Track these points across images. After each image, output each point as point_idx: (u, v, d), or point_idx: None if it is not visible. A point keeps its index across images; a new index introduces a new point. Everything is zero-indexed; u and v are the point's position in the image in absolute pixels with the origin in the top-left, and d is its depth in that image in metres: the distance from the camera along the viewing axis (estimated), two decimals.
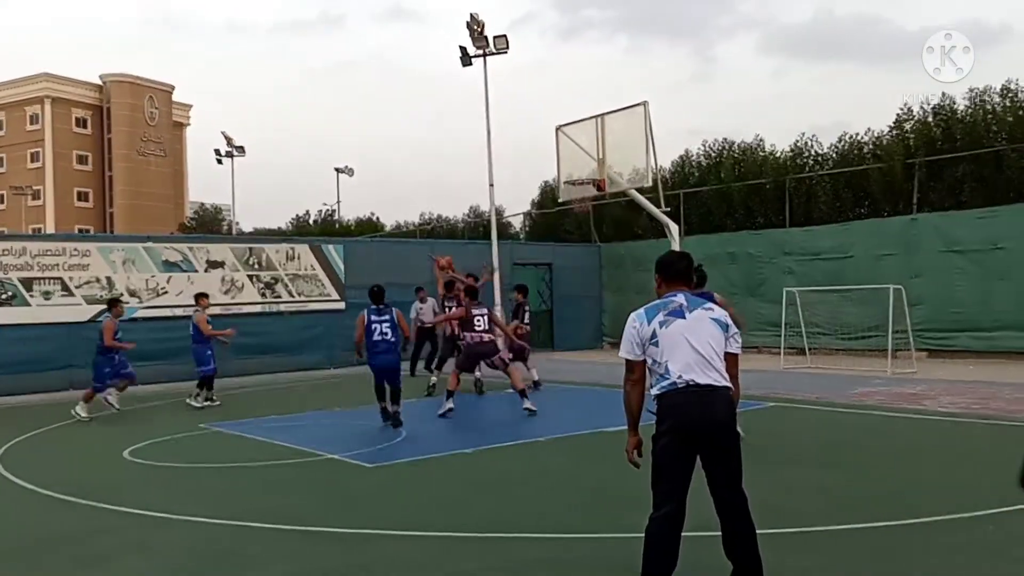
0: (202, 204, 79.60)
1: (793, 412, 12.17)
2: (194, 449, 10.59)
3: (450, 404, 12.38)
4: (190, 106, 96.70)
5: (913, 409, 12.05)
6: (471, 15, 21.13)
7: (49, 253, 17.30)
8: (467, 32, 21.39)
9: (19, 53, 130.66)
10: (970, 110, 21.21)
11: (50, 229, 75.02)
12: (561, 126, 16.16)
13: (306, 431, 11.71)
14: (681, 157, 28.37)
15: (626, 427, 4.98)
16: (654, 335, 4.72)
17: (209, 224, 64.33)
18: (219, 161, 44.54)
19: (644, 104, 14.70)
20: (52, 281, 17.21)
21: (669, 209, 15.87)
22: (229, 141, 43.86)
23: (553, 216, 30.36)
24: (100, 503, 7.64)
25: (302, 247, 21.27)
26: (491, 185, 22.53)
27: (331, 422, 12.66)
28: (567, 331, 25.32)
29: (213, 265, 19.33)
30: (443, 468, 9.04)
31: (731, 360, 4.80)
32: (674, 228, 15.27)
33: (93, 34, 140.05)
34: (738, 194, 25.05)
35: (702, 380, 4.58)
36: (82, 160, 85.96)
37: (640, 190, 15.32)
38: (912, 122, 22.21)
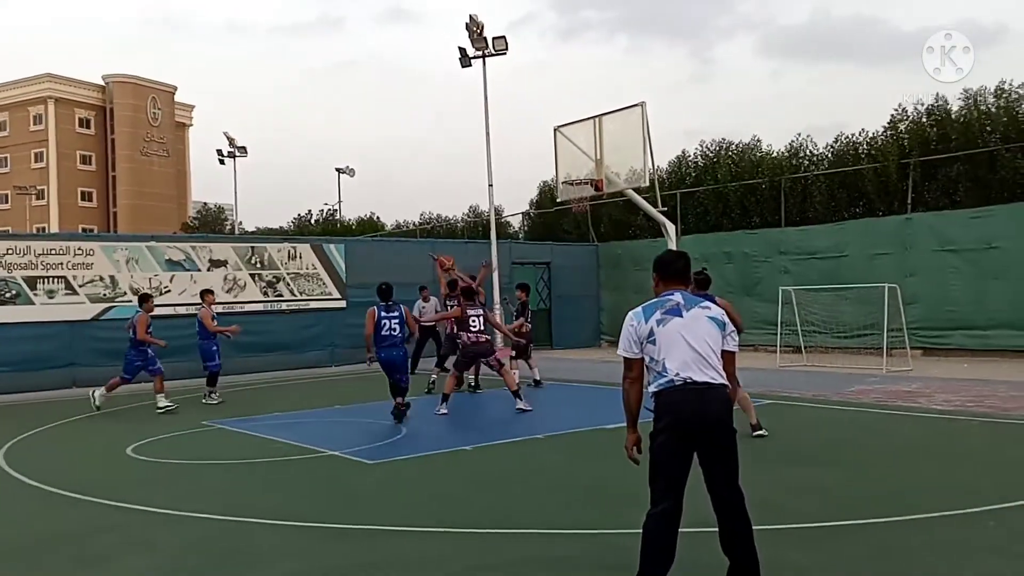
0: (204, 204, 79.68)
1: (789, 410, 12.24)
2: (197, 446, 10.66)
3: (444, 408, 12.52)
4: (192, 107, 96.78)
5: (908, 407, 12.14)
6: (470, 16, 21.21)
7: (53, 252, 17.43)
8: (466, 33, 21.50)
9: (19, 53, 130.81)
10: (964, 111, 21.29)
11: (54, 228, 75.11)
12: (559, 127, 16.27)
13: (308, 428, 11.81)
14: (678, 157, 28.45)
15: (624, 424, 5.04)
16: (651, 333, 4.75)
17: (212, 224, 64.41)
18: (221, 161, 44.58)
19: (641, 105, 14.81)
20: (56, 280, 17.34)
21: (666, 209, 16.00)
22: (231, 141, 43.92)
23: (551, 216, 30.46)
24: (103, 500, 7.68)
25: (304, 246, 21.40)
26: (490, 185, 22.61)
27: (332, 419, 12.75)
28: (565, 330, 25.44)
29: (216, 264, 19.47)
30: (443, 465, 9.10)
31: (728, 358, 4.84)
32: (671, 228, 15.40)
33: (94, 34, 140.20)
34: (734, 194, 25.15)
35: (699, 378, 4.62)
36: (85, 160, 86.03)
37: (637, 190, 15.45)
38: (906, 122, 22.30)
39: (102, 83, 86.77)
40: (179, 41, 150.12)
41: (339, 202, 51.70)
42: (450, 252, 23.54)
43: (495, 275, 20.71)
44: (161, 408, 13.53)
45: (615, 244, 26.90)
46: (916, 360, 17.84)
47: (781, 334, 19.45)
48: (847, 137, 24.06)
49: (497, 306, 18.29)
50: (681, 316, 4.77)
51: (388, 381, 12.26)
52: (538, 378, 15.94)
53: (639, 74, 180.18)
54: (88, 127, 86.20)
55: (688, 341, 4.69)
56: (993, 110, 20.77)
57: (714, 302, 5.47)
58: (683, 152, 28.51)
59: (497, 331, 14.74)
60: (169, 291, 18.63)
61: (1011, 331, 18.11)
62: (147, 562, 5.93)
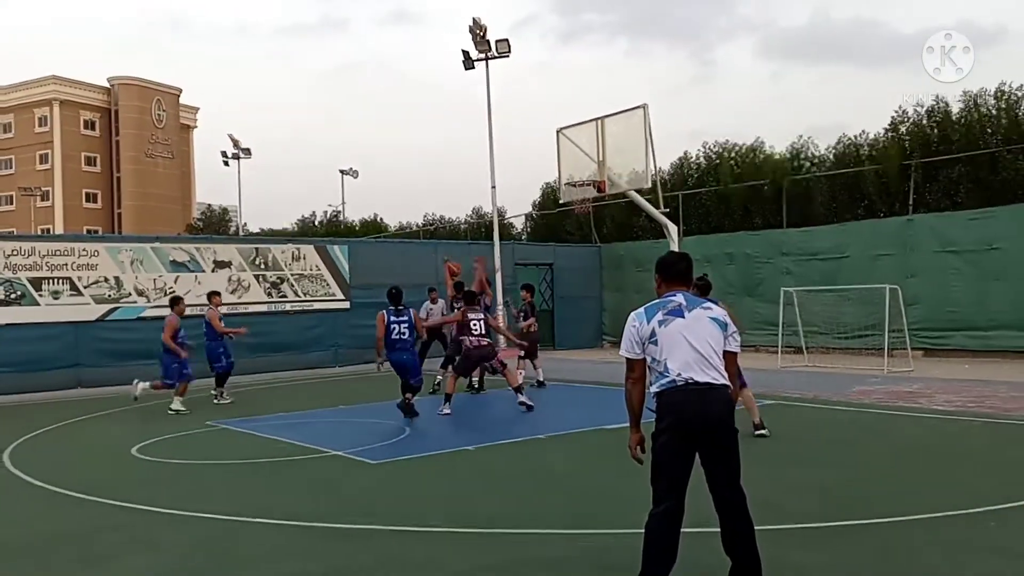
0: (209, 205, 79.71)
1: (791, 410, 12.26)
2: (201, 446, 10.70)
3: (447, 409, 12.60)
4: (197, 108, 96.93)
5: (909, 407, 12.16)
6: (473, 19, 21.31)
7: (58, 253, 17.48)
8: (469, 35, 21.59)
9: (20, 54, 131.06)
10: (964, 112, 21.31)
11: (59, 230, 75.23)
12: (562, 128, 16.32)
13: (311, 429, 11.84)
14: (680, 159, 28.49)
15: (626, 424, 5.07)
16: (653, 334, 4.77)
17: (216, 225, 64.49)
18: (226, 163, 44.71)
19: (644, 107, 14.86)
20: (61, 281, 17.40)
21: (668, 210, 16.06)
22: (236, 143, 44.03)
23: (554, 217, 30.51)
24: (108, 500, 7.71)
25: (307, 247, 21.45)
26: (493, 187, 22.71)
27: (335, 419, 12.79)
28: (568, 330, 25.47)
29: (220, 265, 19.53)
30: (446, 465, 9.13)
31: (730, 359, 4.85)
32: (673, 229, 15.45)
33: (96, 36, 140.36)
34: (736, 195, 25.19)
35: (701, 378, 4.63)
36: (90, 162, 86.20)
37: (639, 191, 15.50)
38: (907, 124, 22.33)
39: (107, 85, 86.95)
40: (183, 43, 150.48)
41: (343, 203, 51.76)
42: (453, 253, 23.63)
43: (498, 276, 20.80)
44: (173, 410, 13.57)
45: (617, 245, 26.93)
46: (917, 361, 17.85)
47: (783, 335, 19.47)
48: (849, 139, 24.11)
49: (500, 308, 18.35)
50: (683, 317, 4.79)
51: (400, 382, 12.38)
52: (541, 379, 15.98)
53: (640, 76, 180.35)
54: (93, 129, 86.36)
55: (690, 342, 4.71)
56: (993, 112, 20.78)
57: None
58: (685, 153, 28.59)
59: (499, 334, 14.76)
60: (173, 292, 18.65)
61: (1012, 332, 18.12)
62: (151, 562, 5.96)
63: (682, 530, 4.70)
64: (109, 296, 17.92)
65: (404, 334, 12.18)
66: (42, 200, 79.05)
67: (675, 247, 14.57)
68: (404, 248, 24.86)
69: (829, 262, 21.01)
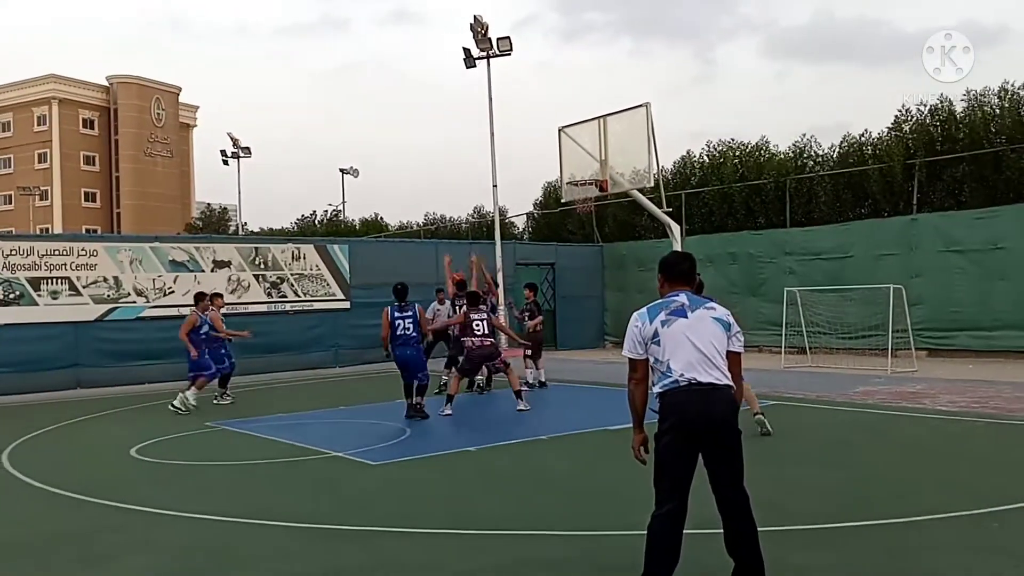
0: (208, 205, 79.76)
1: (794, 411, 12.22)
2: (200, 447, 10.67)
3: (448, 410, 12.55)
4: (196, 107, 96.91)
5: (913, 408, 12.13)
6: (475, 17, 21.27)
7: (57, 253, 17.44)
8: (471, 34, 21.53)
9: (20, 54, 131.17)
10: (968, 112, 21.25)
11: (57, 229, 75.22)
12: (564, 127, 16.25)
13: (311, 429, 11.79)
14: (683, 158, 28.44)
15: (629, 425, 5.05)
16: (656, 334, 4.75)
17: (215, 224, 64.45)
18: (225, 162, 44.64)
19: (646, 106, 14.79)
20: (60, 281, 17.35)
21: (671, 210, 15.96)
22: (235, 142, 43.97)
23: (556, 216, 30.46)
24: (107, 501, 7.68)
25: (307, 247, 21.41)
26: (495, 186, 22.66)
27: (336, 420, 12.73)
28: (570, 330, 25.42)
29: (219, 265, 19.48)
30: (447, 466, 9.10)
31: (734, 359, 4.81)
32: (676, 228, 15.37)
33: (95, 35, 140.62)
34: (739, 195, 25.13)
35: (704, 379, 4.61)
36: (89, 161, 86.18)
37: (642, 191, 15.43)
38: (910, 123, 22.27)
39: (106, 84, 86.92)
40: (183, 43, 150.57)
41: (343, 203, 51.80)
42: (454, 253, 23.54)
43: (499, 276, 20.74)
44: (175, 407, 13.52)
45: (620, 245, 26.89)
46: (921, 361, 17.81)
47: (786, 335, 19.41)
48: (852, 138, 24.04)
49: (501, 308, 18.28)
50: (686, 317, 4.77)
51: (402, 384, 12.35)
52: (543, 379, 15.92)
53: (642, 76, 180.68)
54: (92, 128, 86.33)
55: (693, 342, 4.69)
56: (997, 111, 20.71)
57: None
58: (688, 153, 28.54)
59: (502, 333, 14.70)
60: (173, 292, 18.63)
61: (1016, 332, 18.08)
62: (151, 562, 5.94)
63: (685, 531, 4.68)
64: (108, 296, 17.86)
65: (408, 330, 12.20)
66: (41, 199, 79.06)
67: (678, 247, 14.50)
68: (405, 248, 24.81)
69: (833, 262, 20.96)
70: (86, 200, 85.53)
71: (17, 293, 16.86)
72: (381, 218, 46.90)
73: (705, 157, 27.59)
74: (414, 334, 12.24)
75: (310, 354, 20.64)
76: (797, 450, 9.45)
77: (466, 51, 21.87)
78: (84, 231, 69.01)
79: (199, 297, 14.50)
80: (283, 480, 8.61)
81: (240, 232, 48.71)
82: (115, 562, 5.98)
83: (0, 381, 16.31)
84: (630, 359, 4.88)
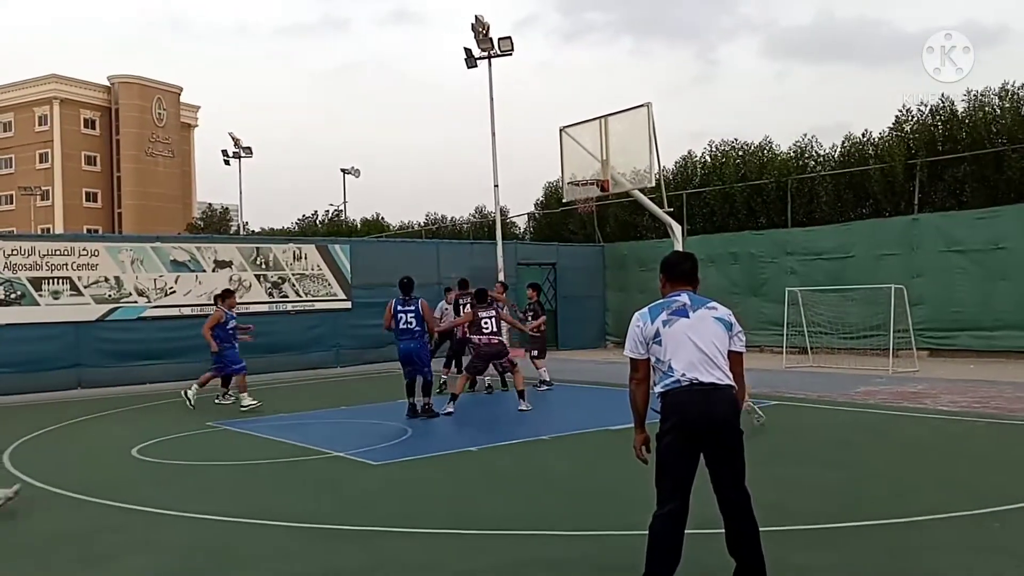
0: (210, 205, 79.74)
1: (795, 411, 12.23)
2: (202, 447, 10.67)
3: (450, 408, 12.55)
4: (198, 107, 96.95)
5: (914, 408, 12.12)
6: (476, 17, 21.24)
7: (58, 253, 17.43)
8: (472, 34, 21.51)
9: (19, 54, 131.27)
10: (968, 112, 21.22)
11: (59, 229, 75.29)
12: (565, 127, 16.21)
13: (312, 429, 11.79)
14: (684, 158, 28.42)
15: (630, 425, 5.05)
16: (657, 334, 4.75)
17: (217, 224, 64.45)
18: (226, 162, 44.64)
19: (647, 105, 14.75)
20: (61, 281, 17.34)
21: (672, 209, 15.91)
22: (236, 142, 43.97)
23: (557, 216, 30.45)
24: (108, 501, 7.68)
25: (309, 247, 21.39)
26: (496, 186, 22.63)
27: (337, 420, 12.73)
28: (571, 330, 25.40)
29: (221, 265, 19.47)
30: (448, 466, 9.11)
31: (735, 359, 4.81)
32: (677, 228, 15.32)
33: (95, 35, 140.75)
34: (740, 195, 25.12)
35: (705, 379, 4.61)
36: (90, 161, 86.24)
37: (643, 191, 15.39)
38: (911, 123, 22.25)
39: (107, 84, 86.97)
40: (183, 43, 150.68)
41: (344, 203, 51.87)
42: (456, 253, 23.59)
43: (501, 276, 20.72)
44: (188, 395, 13.59)
45: (621, 245, 26.87)
46: (922, 361, 17.80)
47: (787, 335, 19.40)
48: (854, 138, 24.02)
49: (504, 310, 18.24)
50: (687, 317, 4.77)
51: (404, 382, 12.37)
52: (548, 379, 15.91)
53: (643, 76, 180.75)
54: (93, 128, 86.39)
55: (694, 342, 4.69)
56: (998, 111, 20.70)
57: None
58: (689, 153, 28.51)
59: (512, 328, 14.70)
60: (174, 292, 18.62)
61: (1017, 332, 18.06)
62: (151, 562, 5.94)
63: (686, 531, 4.68)
64: (109, 296, 17.85)
65: (411, 323, 12.25)
66: (42, 199, 79.11)
67: (679, 247, 14.47)
68: (406, 248, 24.78)
69: (834, 262, 20.94)
70: (87, 200, 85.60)
71: (18, 293, 16.86)
72: (382, 218, 46.95)
73: (707, 157, 27.58)
74: (416, 328, 12.28)
75: (311, 354, 20.63)
76: (798, 450, 9.45)
77: (467, 51, 21.86)
78: (85, 231, 69.05)
79: (226, 294, 14.51)
80: (284, 480, 8.61)
81: (241, 232, 48.73)
82: (115, 562, 5.97)
83: (1, 381, 16.30)
84: (631, 359, 4.89)
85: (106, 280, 17.88)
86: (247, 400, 13.51)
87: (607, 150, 15.06)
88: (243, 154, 44.17)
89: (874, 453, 9.17)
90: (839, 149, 24.31)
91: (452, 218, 41.46)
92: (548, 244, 28.01)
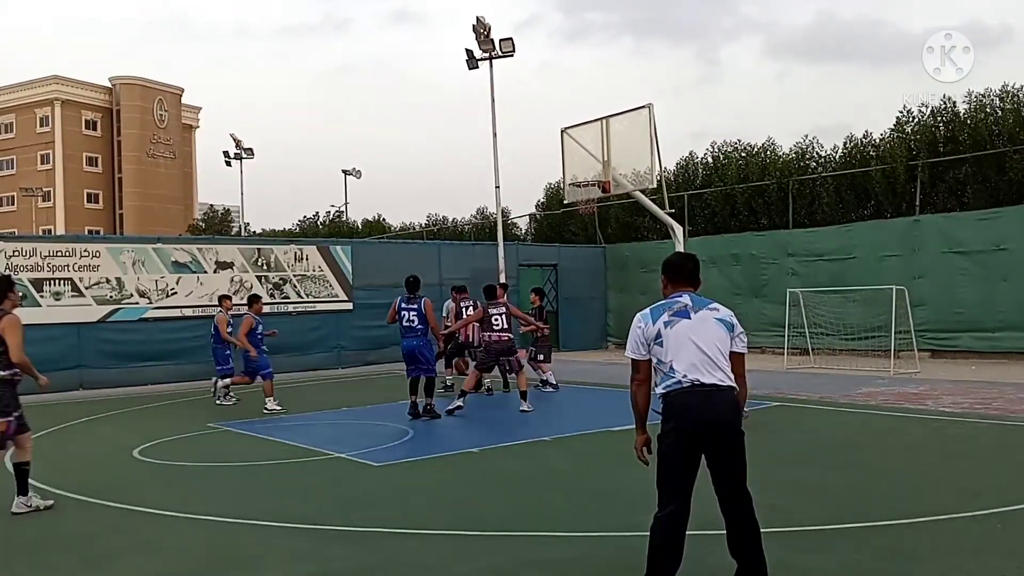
0: (211, 206, 79.82)
1: (796, 412, 12.22)
2: (203, 448, 10.66)
3: (459, 402, 12.57)
4: (199, 108, 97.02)
5: (916, 409, 12.11)
6: (477, 18, 21.25)
7: (59, 254, 17.44)
8: (473, 35, 21.52)
9: (21, 54, 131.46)
10: (970, 113, 21.20)
11: (60, 230, 75.36)
12: (566, 128, 16.21)
13: (314, 430, 11.80)
14: (685, 159, 28.41)
15: (632, 426, 5.05)
16: (659, 335, 4.75)
17: (218, 226, 64.48)
18: (228, 163, 44.69)
19: (649, 106, 14.74)
20: (62, 282, 17.35)
21: (673, 211, 15.91)
22: (238, 143, 44.00)
23: (558, 218, 30.46)
24: (109, 502, 7.69)
25: (310, 248, 21.41)
26: (497, 187, 22.63)
27: (338, 421, 12.72)
28: (572, 332, 25.40)
29: (222, 266, 19.48)
30: (450, 467, 9.10)
31: (737, 360, 4.81)
32: (678, 229, 15.31)
33: (95, 36, 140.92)
34: (742, 196, 25.11)
35: (707, 380, 4.61)
36: (92, 162, 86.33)
37: (644, 192, 15.39)
38: (912, 124, 22.23)
39: (109, 85, 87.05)
40: (183, 43, 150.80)
41: (346, 204, 51.86)
42: (457, 255, 23.59)
43: (502, 278, 20.72)
44: (268, 410, 13.54)
45: (622, 246, 26.87)
46: (924, 362, 17.80)
47: (788, 336, 19.40)
48: (855, 139, 24.01)
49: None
50: (689, 318, 4.77)
51: (408, 380, 12.40)
52: (554, 381, 15.90)
53: (644, 76, 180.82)
54: (95, 129, 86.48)
55: (696, 343, 4.69)
56: (999, 112, 20.69)
57: None
58: (691, 154, 28.49)
59: (521, 322, 14.72)
60: (176, 293, 18.63)
61: (1019, 333, 18.04)
62: (152, 563, 5.94)
63: (687, 532, 4.68)
64: (111, 297, 17.86)
65: (413, 321, 12.33)
66: (43, 200, 79.18)
67: (680, 248, 14.45)
68: (407, 248, 24.79)
69: (835, 263, 20.93)
70: (89, 201, 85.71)
71: (20, 294, 16.80)
72: (384, 219, 46.94)
73: (709, 158, 27.58)
74: (419, 326, 12.35)
75: (313, 355, 20.62)
76: (800, 451, 9.44)
77: (469, 52, 21.87)
78: (87, 232, 69.04)
79: (253, 299, 14.50)
80: (286, 481, 8.60)
81: (243, 233, 48.77)
82: (116, 563, 5.98)
83: None
84: (632, 360, 4.89)
85: (107, 281, 17.89)
86: (271, 404, 13.51)
87: (608, 151, 15.06)
88: (244, 155, 44.21)
89: (875, 454, 9.15)
90: (840, 150, 24.30)
91: (453, 219, 41.51)
92: (549, 245, 28.02)
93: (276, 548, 6.20)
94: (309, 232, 46.46)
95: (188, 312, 18.56)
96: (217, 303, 15.70)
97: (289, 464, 9.36)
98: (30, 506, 7.37)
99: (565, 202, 18.28)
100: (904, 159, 21.63)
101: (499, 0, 53.43)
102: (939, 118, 21.83)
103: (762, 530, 4.72)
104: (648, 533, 4.70)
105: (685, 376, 4.63)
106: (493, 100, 22.18)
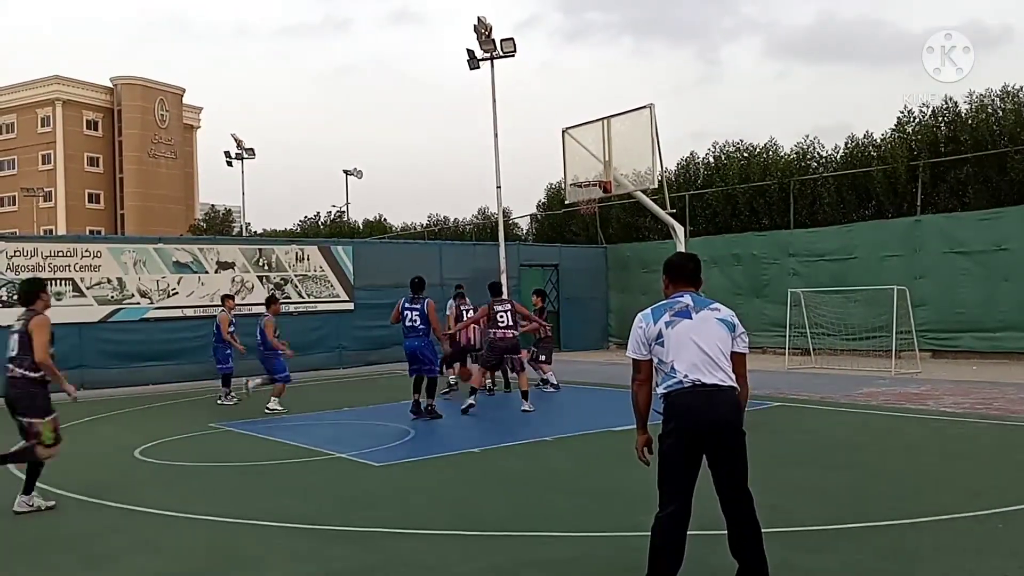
0: (212, 206, 79.78)
1: (798, 412, 12.22)
2: (204, 448, 10.68)
3: (472, 400, 12.64)
4: (200, 108, 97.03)
5: (917, 409, 12.10)
6: (478, 18, 21.22)
7: (60, 254, 17.45)
8: (474, 35, 21.50)
9: (21, 54, 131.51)
10: (971, 113, 21.19)
11: (61, 230, 75.36)
12: (567, 128, 16.21)
13: (315, 431, 11.80)
14: (686, 159, 28.38)
15: (633, 426, 5.05)
16: (660, 335, 4.75)
17: (219, 226, 64.47)
18: (229, 163, 44.67)
19: (650, 107, 14.74)
20: (63, 282, 17.35)
21: (675, 211, 15.92)
22: (239, 143, 43.99)
23: (559, 218, 30.45)
24: (110, 502, 7.69)
25: (311, 248, 21.40)
26: (498, 187, 22.60)
27: (340, 422, 12.73)
28: (573, 332, 25.39)
29: (223, 266, 19.48)
30: (451, 467, 9.11)
31: (738, 360, 4.81)
32: (679, 229, 15.31)
33: (96, 36, 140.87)
34: (743, 196, 25.10)
35: (708, 380, 4.61)
36: (93, 162, 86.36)
37: (646, 192, 15.39)
38: (913, 124, 22.22)
39: (110, 85, 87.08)
40: (183, 43, 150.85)
41: (347, 204, 51.87)
42: (458, 255, 23.58)
43: (503, 278, 20.70)
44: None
45: (623, 246, 26.86)
46: (925, 362, 17.78)
47: (790, 336, 19.39)
48: (856, 139, 24.00)
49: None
50: (690, 318, 4.76)
51: (412, 380, 12.46)
52: (555, 382, 15.90)
53: (644, 75, 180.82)
54: (96, 129, 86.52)
55: (697, 343, 4.69)
56: (1000, 112, 20.67)
57: None
58: (692, 154, 28.47)
59: (525, 319, 14.73)
60: (177, 293, 18.64)
61: (1020, 333, 18.02)
62: (153, 563, 5.94)
63: (688, 532, 4.68)
64: (112, 297, 17.86)
65: (415, 321, 12.42)
66: (44, 201, 79.14)
67: (681, 248, 14.45)
68: (409, 249, 24.79)
69: (836, 263, 20.92)
70: (90, 201, 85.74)
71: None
72: (385, 219, 46.93)
73: (710, 158, 27.56)
74: (421, 327, 12.42)
75: (314, 355, 20.59)
76: (801, 451, 9.44)
77: (470, 53, 21.85)
78: (88, 232, 69.11)
79: (271, 300, 14.46)
80: (286, 481, 8.60)
81: (244, 233, 48.76)
82: (117, 563, 5.98)
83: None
84: (633, 360, 4.88)
85: (109, 281, 17.90)
86: (274, 404, 13.49)
87: (609, 151, 15.05)
88: (245, 155, 44.20)
89: (877, 454, 9.15)
90: (841, 150, 24.28)
91: (455, 219, 41.49)
92: (551, 245, 28.02)
93: (276, 548, 6.20)
94: (310, 232, 46.45)
95: (189, 312, 18.56)
96: (220, 303, 15.68)
97: (290, 464, 9.36)
98: (32, 506, 7.38)
99: (566, 202, 18.28)
100: (905, 159, 21.61)
101: (499, 0, 53.39)
102: (940, 118, 21.81)
103: (763, 530, 4.72)
104: (649, 533, 4.70)
105: (686, 376, 4.63)
106: (494, 101, 22.16)
